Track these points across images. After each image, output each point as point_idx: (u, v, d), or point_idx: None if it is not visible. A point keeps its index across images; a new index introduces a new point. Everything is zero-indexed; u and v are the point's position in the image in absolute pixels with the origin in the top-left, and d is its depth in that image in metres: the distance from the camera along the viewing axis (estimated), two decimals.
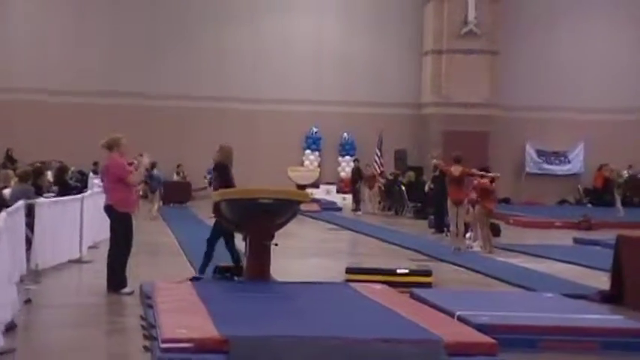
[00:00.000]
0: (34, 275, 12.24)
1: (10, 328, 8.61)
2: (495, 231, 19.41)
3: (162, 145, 31.62)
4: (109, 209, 11.55)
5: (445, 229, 20.05)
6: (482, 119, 33.35)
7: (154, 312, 9.05)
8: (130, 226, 11.56)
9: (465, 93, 33.22)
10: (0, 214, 9.44)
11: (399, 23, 35.06)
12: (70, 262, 13.90)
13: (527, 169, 35.13)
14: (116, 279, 11.30)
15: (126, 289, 11.19)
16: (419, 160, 32.93)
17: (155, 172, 28.85)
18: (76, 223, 14.42)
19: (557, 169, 35.44)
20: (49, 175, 19.55)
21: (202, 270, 12.08)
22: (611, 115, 34.93)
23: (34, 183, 14.60)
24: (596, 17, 35.51)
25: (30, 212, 12.55)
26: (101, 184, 12.56)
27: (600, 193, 33.91)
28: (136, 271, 11.71)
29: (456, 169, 17.49)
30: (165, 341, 7.55)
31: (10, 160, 29.22)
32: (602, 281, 12.69)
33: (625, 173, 33.59)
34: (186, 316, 8.55)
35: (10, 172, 16.27)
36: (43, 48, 33.13)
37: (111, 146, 11.53)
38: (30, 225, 12.52)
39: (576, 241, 20.44)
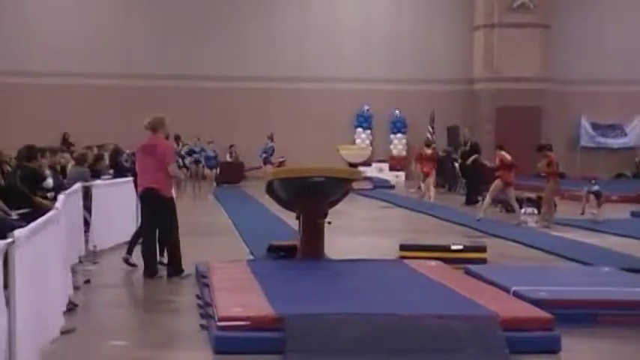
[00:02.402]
0: (92, 256, 12.45)
1: (71, 308, 8.78)
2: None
3: (213, 126, 31.81)
4: (154, 192, 11.10)
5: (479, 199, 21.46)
6: (534, 94, 32.93)
7: (209, 291, 9.14)
8: (175, 209, 11.41)
9: (516, 68, 32.81)
10: (58, 197, 9.61)
11: None
12: (127, 243, 14.05)
13: (582, 143, 34.59)
14: (173, 261, 11.17)
15: (184, 273, 11.07)
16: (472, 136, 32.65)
17: (211, 151, 29.03)
18: (132, 204, 14.56)
19: (613, 143, 34.88)
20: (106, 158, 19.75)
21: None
22: None
23: (93, 167, 14.79)
24: None
25: (87, 195, 12.72)
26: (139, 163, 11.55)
27: None
28: (191, 251, 11.81)
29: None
30: (221, 319, 7.63)
31: (67, 144, 29.58)
32: None
33: None
34: (242, 295, 8.61)
35: (67, 155, 16.52)
36: (92, 33, 33.37)
37: (155, 127, 11.21)
38: (88, 207, 12.70)
39: (634, 214, 20.14)
